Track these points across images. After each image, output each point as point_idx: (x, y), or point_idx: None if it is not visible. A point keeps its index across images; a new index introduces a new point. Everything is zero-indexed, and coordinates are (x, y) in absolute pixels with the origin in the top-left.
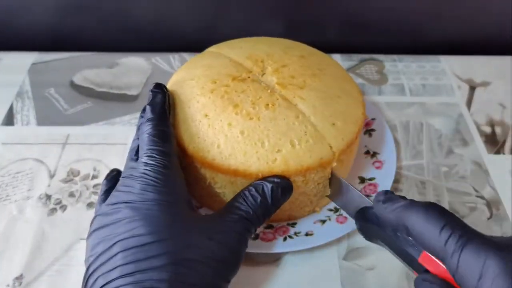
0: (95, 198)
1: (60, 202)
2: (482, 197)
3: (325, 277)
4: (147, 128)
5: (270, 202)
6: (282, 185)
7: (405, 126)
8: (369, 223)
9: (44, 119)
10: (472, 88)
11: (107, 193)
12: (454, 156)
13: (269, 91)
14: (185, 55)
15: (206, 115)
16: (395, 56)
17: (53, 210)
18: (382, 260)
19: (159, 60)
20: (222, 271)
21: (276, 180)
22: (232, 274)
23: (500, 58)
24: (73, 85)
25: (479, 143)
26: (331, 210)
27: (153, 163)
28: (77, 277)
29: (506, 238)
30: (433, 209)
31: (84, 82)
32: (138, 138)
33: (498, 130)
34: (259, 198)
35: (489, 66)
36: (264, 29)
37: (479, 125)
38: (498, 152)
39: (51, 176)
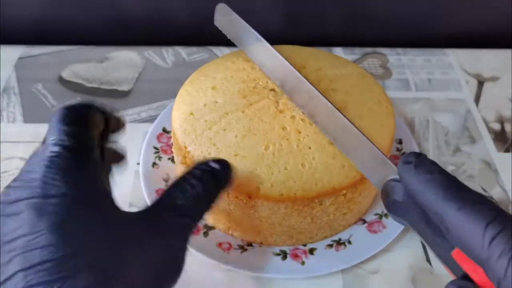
0: None
1: None
2: (491, 198)
3: (328, 280)
4: (58, 112)
5: (203, 188)
6: (221, 162)
7: (410, 123)
8: (396, 198)
9: (31, 116)
10: (481, 83)
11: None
12: (462, 154)
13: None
14: (180, 48)
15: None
16: (399, 50)
17: None
18: (386, 263)
19: (152, 54)
20: (161, 282)
21: (215, 161)
22: (173, 283)
23: (510, 51)
24: (62, 81)
25: (487, 140)
26: None
27: (62, 145)
28: None
29: None
30: (477, 197)
31: (73, 78)
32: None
33: (507, 127)
34: (200, 186)
35: (499, 59)
36: (263, 21)
37: (487, 121)
38: (507, 150)
39: None
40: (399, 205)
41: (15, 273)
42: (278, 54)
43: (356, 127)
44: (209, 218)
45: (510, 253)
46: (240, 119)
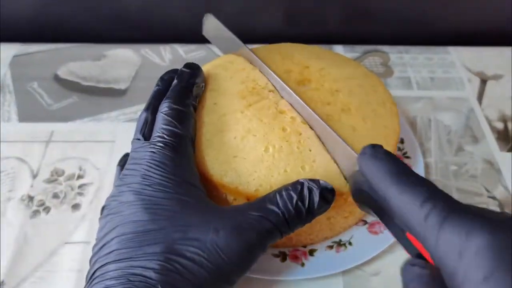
0: (80, 200)
1: (43, 204)
2: (494, 198)
3: (328, 282)
4: (164, 106)
5: (306, 208)
6: (324, 189)
7: (412, 122)
8: (360, 187)
9: (26, 115)
10: (484, 81)
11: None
12: (464, 153)
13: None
14: (177, 46)
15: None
16: (401, 47)
17: (36, 212)
18: (387, 265)
19: (149, 52)
20: (222, 271)
21: (320, 182)
22: (236, 277)
23: None
24: (58, 79)
25: (490, 140)
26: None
27: (162, 145)
28: (62, 284)
29: (499, 212)
30: (417, 181)
31: (69, 76)
32: (146, 110)
33: (511, 126)
34: (295, 199)
35: (502, 57)
36: (262, 19)
37: (490, 120)
38: (511, 149)
39: (34, 176)
40: (362, 194)
41: (113, 238)
42: (263, 65)
43: (331, 128)
44: None
45: (438, 225)
46: (239, 120)
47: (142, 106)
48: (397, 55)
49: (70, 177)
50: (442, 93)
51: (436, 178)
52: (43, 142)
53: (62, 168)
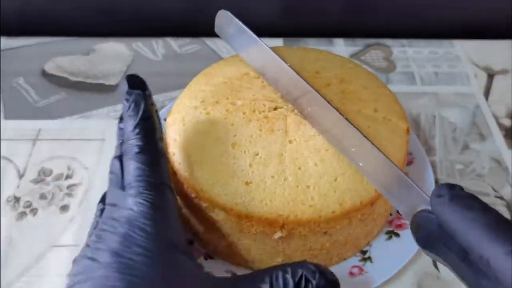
0: (69, 201)
1: (30, 205)
2: (501, 198)
3: None
4: (132, 151)
5: None
6: (326, 281)
7: (415, 119)
8: (429, 233)
9: (12, 112)
10: (490, 76)
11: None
12: (470, 152)
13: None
14: (171, 40)
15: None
16: (404, 41)
17: (23, 214)
18: None
19: (141, 45)
20: None
21: (321, 270)
22: None
23: None
24: (45, 74)
25: (498, 137)
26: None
27: (141, 201)
28: None
29: None
30: None
31: (56, 71)
32: (118, 158)
33: None
34: (290, 286)
35: (510, 51)
36: (259, 12)
37: (498, 117)
38: None
39: (20, 176)
40: (433, 240)
41: None
42: (285, 64)
43: (376, 146)
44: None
45: None
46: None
47: None
48: (400, 49)
49: (58, 177)
50: (447, 89)
51: (441, 177)
52: (30, 141)
53: (50, 168)
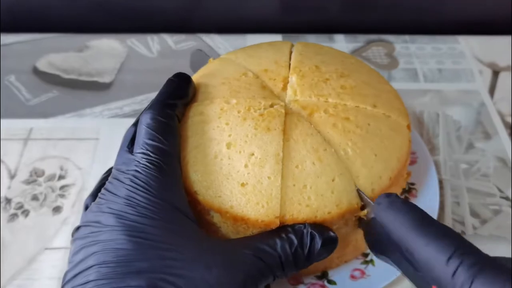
0: (61, 202)
1: (21, 207)
2: (507, 198)
3: None
4: (146, 118)
5: (306, 255)
6: (328, 238)
7: (418, 117)
8: (376, 236)
9: (3, 111)
10: (496, 73)
11: (97, 192)
12: (475, 151)
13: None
14: (166, 36)
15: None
16: (406, 37)
17: (14, 216)
18: None
19: (135, 42)
20: None
21: (320, 228)
22: None
23: None
24: (37, 72)
25: (503, 136)
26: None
27: (147, 163)
28: None
29: None
30: (440, 231)
31: (49, 68)
32: (135, 125)
33: None
34: (295, 244)
35: None
36: (257, 7)
37: (503, 115)
38: None
39: (12, 176)
40: (381, 244)
41: (91, 266)
42: None
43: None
44: None
45: (468, 285)
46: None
47: (128, 100)
48: (402, 45)
49: (51, 178)
50: (451, 86)
51: (445, 177)
52: (21, 140)
53: (42, 168)
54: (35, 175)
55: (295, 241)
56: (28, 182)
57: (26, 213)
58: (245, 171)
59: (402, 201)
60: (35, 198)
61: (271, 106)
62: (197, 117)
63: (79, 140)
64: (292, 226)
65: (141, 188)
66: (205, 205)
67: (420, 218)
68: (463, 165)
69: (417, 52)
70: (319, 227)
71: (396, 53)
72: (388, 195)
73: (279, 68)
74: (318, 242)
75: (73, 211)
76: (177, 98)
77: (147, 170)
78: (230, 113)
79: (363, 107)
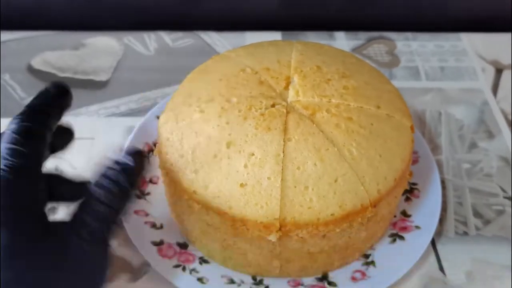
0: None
1: None
2: (510, 199)
3: None
4: (12, 122)
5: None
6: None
7: (420, 116)
8: None
9: None
10: (499, 71)
11: None
12: (478, 150)
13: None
14: (163, 34)
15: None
16: (408, 34)
17: None
18: None
19: (132, 40)
20: None
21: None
22: None
23: None
24: (32, 70)
25: (507, 135)
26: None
27: (6, 165)
28: None
29: None
30: None
31: (44, 67)
32: None
33: None
34: (112, 198)
35: None
36: (256, 3)
37: (506, 114)
38: None
39: None
40: None
41: None
42: None
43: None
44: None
45: None
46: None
47: (125, 99)
48: (404, 42)
49: None
50: (453, 84)
51: (447, 177)
52: None
53: None
54: None
55: (109, 197)
56: None
57: None
58: (245, 171)
59: None
60: None
61: (273, 105)
62: (197, 114)
63: (75, 140)
64: (96, 183)
65: None
66: (203, 206)
67: None
68: (466, 164)
69: (419, 50)
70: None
71: (397, 51)
72: None
73: (282, 67)
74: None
75: (68, 212)
76: (50, 108)
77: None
78: (231, 112)
79: (366, 108)
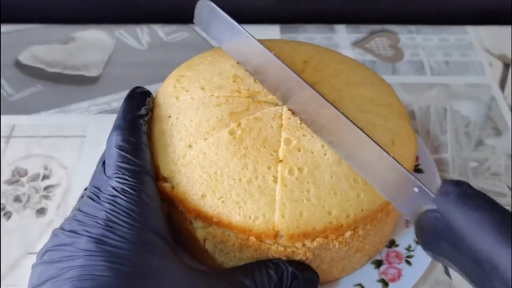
0: (46, 203)
1: (3, 208)
2: None
3: None
4: (115, 139)
5: None
6: (308, 278)
7: (425, 113)
8: (435, 235)
9: None
10: (507, 66)
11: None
12: (485, 148)
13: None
14: (156, 27)
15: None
16: (412, 27)
17: None
18: None
19: (124, 33)
20: None
21: (302, 268)
22: None
23: None
24: (19, 65)
25: None
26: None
27: (125, 188)
28: None
29: None
30: None
31: (32, 62)
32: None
33: None
34: (273, 282)
35: None
36: None
37: None
38: None
39: None
40: (439, 242)
41: None
42: (276, 59)
43: (376, 143)
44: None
45: None
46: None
47: (116, 95)
48: (407, 35)
49: (34, 178)
50: (459, 79)
51: (453, 176)
52: (3, 138)
53: (25, 168)
54: (17, 175)
55: (275, 278)
56: (10, 182)
57: (8, 215)
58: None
59: (478, 193)
60: (17, 199)
61: (267, 102)
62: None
63: (64, 138)
64: (275, 261)
65: (122, 213)
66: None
67: (503, 219)
68: (473, 163)
69: (423, 44)
70: (302, 265)
71: (401, 45)
72: (457, 184)
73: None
74: (300, 282)
75: (58, 213)
76: (142, 113)
77: (127, 195)
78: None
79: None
